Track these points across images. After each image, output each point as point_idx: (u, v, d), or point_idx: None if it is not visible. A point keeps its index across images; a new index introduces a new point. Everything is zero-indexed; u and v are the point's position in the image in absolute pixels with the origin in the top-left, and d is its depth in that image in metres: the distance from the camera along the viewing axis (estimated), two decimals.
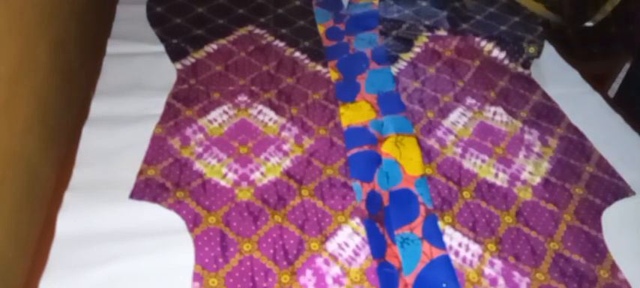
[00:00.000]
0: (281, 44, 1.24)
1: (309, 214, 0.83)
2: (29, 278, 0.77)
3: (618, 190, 0.93)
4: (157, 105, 1.01)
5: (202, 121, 0.99)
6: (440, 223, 0.83)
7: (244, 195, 0.85)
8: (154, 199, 0.82)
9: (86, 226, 0.76)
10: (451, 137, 1.02)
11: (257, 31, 1.28)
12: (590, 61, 1.74)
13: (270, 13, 1.36)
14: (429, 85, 1.16)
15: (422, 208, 0.85)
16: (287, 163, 0.92)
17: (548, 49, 1.32)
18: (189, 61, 1.15)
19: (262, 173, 0.89)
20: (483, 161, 0.97)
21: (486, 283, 0.76)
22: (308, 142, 0.97)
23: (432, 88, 1.15)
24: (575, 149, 1.01)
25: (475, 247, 0.80)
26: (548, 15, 1.68)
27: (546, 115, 1.10)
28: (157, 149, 0.91)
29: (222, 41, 1.22)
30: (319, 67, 1.18)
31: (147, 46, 1.18)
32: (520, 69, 1.24)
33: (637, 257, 0.82)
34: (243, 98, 1.06)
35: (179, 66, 1.13)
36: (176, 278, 0.71)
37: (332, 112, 1.05)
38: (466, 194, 0.89)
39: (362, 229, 0.81)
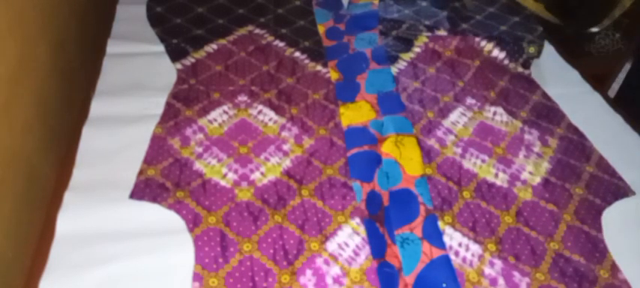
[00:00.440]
0: (281, 44, 1.24)
1: (309, 214, 0.83)
2: (29, 278, 0.77)
3: (618, 190, 0.93)
4: (156, 105, 1.01)
5: (202, 121, 0.99)
6: (440, 223, 0.83)
7: (244, 195, 0.85)
8: (154, 199, 0.82)
9: (86, 226, 0.76)
10: (451, 137, 1.02)
11: (257, 31, 1.28)
12: (589, 60, 1.74)
13: (270, 13, 1.36)
14: (429, 85, 1.16)
15: (422, 208, 0.85)
16: (287, 163, 0.92)
17: (548, 49, 1.32)
18: (189, 61, 1.15)
19: (262, 173, 0.89)
20: (483, 161, 0.97)
21: (486, 283, 0.76)
22: (308, 142, 0.97)
23: (432, 88, 1.15)
24: (575, 149, 1.01)
25: (475, 247, 0.80)
26: (547, 16, 1.68)
27: (546, 115, 1.10)
28: (157, 149, 0.91)
29: (222, 41, 1.22)
30: (319, 67, 1.18)
31: (147, 46, 1.18)
32: (520, 69, 1.24)
33: (637, 257, 0.82)
34: (243, 98, 1.06)
35: (179, 66, 1.13)
36: (176, 278, 0.71)
37: (332, 112, 1.05)
38: (466, 194, 0.89)
39: (362, 229, 0.81)
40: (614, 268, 0.79)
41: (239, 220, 0.80)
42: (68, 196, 0.80)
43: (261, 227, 0.80)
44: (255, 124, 1.00)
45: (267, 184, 0.87)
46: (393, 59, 1.23)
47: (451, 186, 0.90)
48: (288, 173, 0.90)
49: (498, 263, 0.78)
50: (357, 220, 0.83)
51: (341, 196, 0.86)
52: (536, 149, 1.01)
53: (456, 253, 0.79)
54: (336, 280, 0.73)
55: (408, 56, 1.24)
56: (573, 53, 1.35)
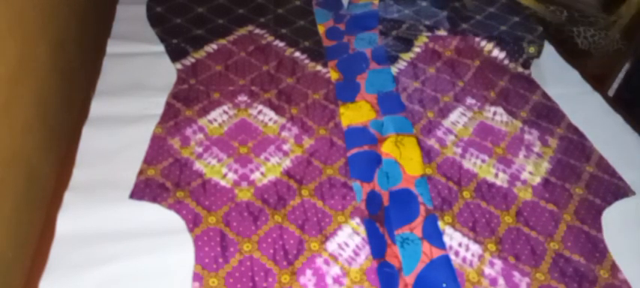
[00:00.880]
0: (281, 44, 1.24)
1: (309, 214, 0.83)
2: (29, 278, 0.77)
3: (618, 190, 0.93)
4: (157, 105, 1.01)
5: (202, 121, 0.99)
6: (440, 223, 0.83)
7: (244, 195, 0.85)
8: (154, 199, 0.82)
9: (86, 226, 0.76)
10: (451, 137, 1.02)
11: (257, 31, 1.28)
12: (589, 60, 1.74)
13: (270, 13, 1.36)
14: (429, 85, 1.16)
15: (422, 208, 0.85)
16: (287, 163, 0.92)
17: (548, 49, 1.32)
18: (189, 61, 1.15)
19: (262, 173, 0.89)
20: (483, 161, 0.97)
21: (486, 283, 0.76)
22: (308, 142, 0.97)
23: (432, 88, 1.15)
24: (575, 149, 1.01)
25: (475, 247, 0.80)
26: (548, 15, 1.68)
27: (546, 115, 1.10)
28: (157, 149, 0.91)
29: (222, 41, 1.22)
30: (319, 67, 1.18)
31: (147, 46, 1.18)
32: (520, 69, 1.24)
33: (637, 257, 0.82)
34: (243, 98, 1.06)
35: (179, 66, 1.13)
36: (176, 278, 0.71)
37: (332, 112, 1.05)
38: (466, 194, 0.89)
39: (362, 229, 0.81)
40: (614, 268, 0.79)
41: (239, 220, 0.80)
42: (68, 196, 0.80)
43: (261, 227, 0.80)
44: (255, 124, 1.00)
45: (267, 184, 0.87)
46: (393, 59, 1.23)
47: (451, 186, 0.90)
48: (288, 173, 0.90)
49: (498, 263, 0.78)
50: (357, 220, 0.83)
51: (341, 196, 0.86)
52: (536, 149, 1.01)
53: (456, 253, 0.79)
54: (336, 280, 0.73)
55: (408, 56, 1.24)
56: (573, 53, 1.35)
